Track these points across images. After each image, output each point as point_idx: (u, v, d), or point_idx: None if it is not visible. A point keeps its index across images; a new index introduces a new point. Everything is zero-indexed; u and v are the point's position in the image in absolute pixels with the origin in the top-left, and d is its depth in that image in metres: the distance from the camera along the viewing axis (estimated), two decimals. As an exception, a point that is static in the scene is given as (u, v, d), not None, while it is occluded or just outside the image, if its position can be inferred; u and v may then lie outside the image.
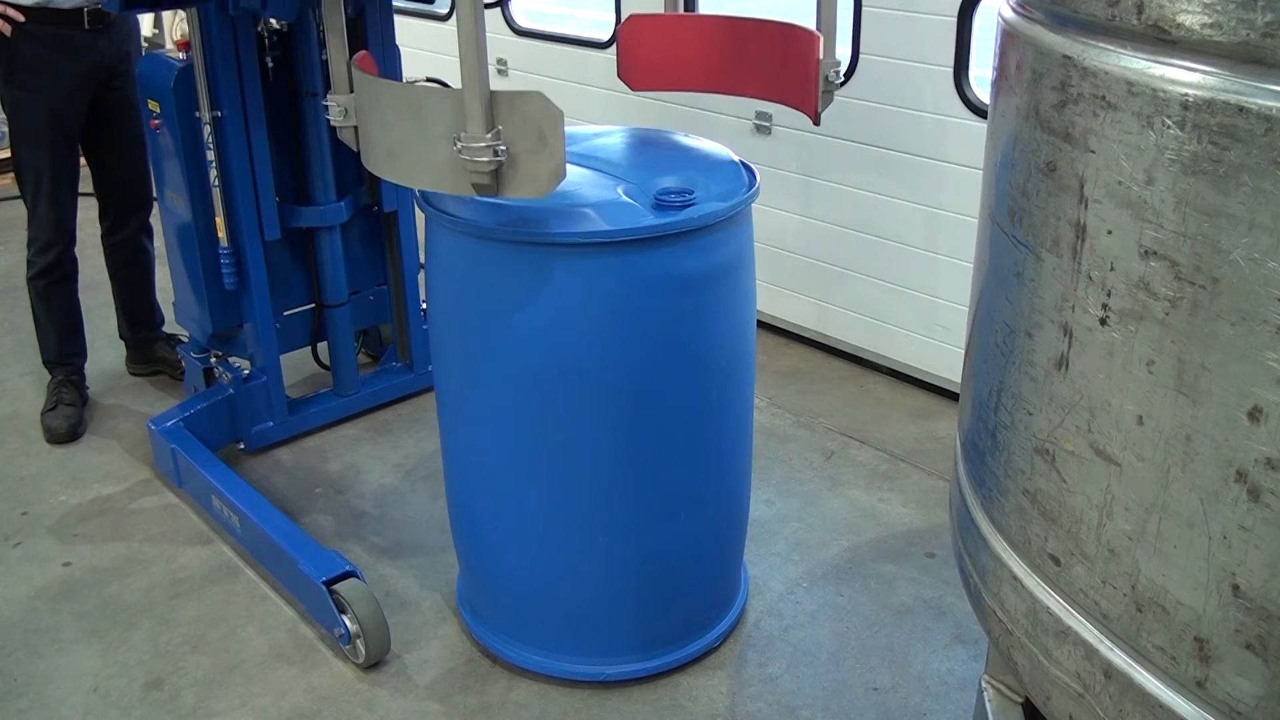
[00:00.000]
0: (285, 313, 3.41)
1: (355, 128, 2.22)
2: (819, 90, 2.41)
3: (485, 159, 1.87)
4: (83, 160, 3.55)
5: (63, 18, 3.25)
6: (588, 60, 4.55)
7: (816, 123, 2.49)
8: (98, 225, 3.71)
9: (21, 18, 3.18)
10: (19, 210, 3.50)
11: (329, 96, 2.23)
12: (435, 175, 1.99)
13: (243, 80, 3.02)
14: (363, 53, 2.31)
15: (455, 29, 1.65)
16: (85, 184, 3.58)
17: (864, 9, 3.52)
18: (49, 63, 3.27)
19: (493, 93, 1.85)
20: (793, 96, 2.49)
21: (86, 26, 3.28)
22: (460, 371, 2.34)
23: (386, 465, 3.39)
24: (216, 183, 3.07)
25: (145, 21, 5.61)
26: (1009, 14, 1.32)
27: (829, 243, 3.85)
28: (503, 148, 1.87)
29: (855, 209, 3.68)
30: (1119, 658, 1.17)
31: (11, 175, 3.53)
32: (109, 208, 3.66)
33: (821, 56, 2.40)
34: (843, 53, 3.42)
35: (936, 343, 3.65)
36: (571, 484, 2.30)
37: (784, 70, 2.45)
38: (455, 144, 1.89)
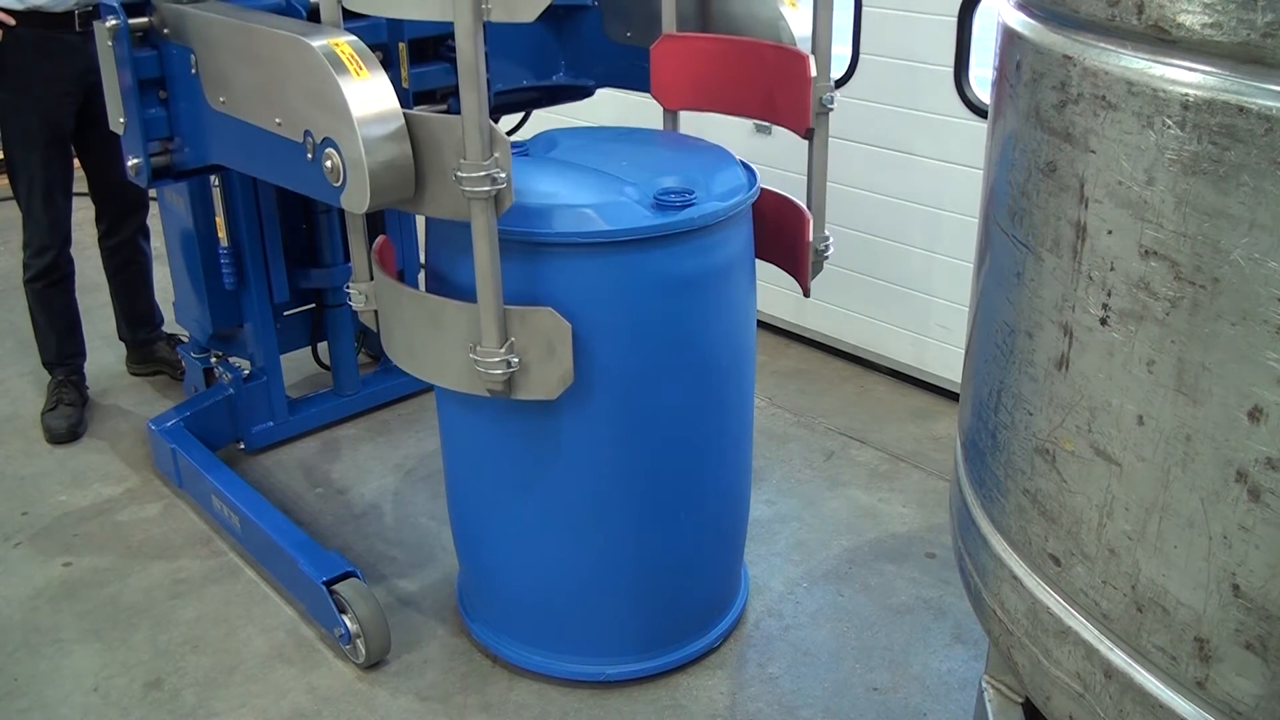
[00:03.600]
0: (285, 313, 3.41)
1: (376, 312, 2.32)
2: (810, 263, 2.53)
3: (499, 371, 2.01)
4: (78, 162, 3.54)
5: (53, 21, 3.24)
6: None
7: (807, 295, 2.60)
8: (95, 227, 3.71)
9: (12, 21, 3.17)
10: (16, 211, 3.50)
11: (351, 284, 2.32)
12: (453, 376, 2.12)
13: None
14: (382, 239, 2.36)
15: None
16: (82, 184, 3.58)
17: (864, 9, 3.52)
18: (40, 66, 3.25)
19: (506, 309, 2.00)
20: (786, 263, 2.61)
21: (77, 29, 3.27)
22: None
23: (386, 465, 3.39)
24: (217, 183, 3.07)
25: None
26: (1009, 14, 1.32)
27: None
28: (515, 359, 2.02)
29: (855, 209, 3.68)
30: (1119, 658, 1.17)
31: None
32: (105, 211, 3.65)
33: (811, 237, 2.50)
34: (843, 53, 3.43)
35: (936, 343, 3.65)
36: (571, 483, 2.30)
37: (778, 238, 2.56)
38: (471, 352, 2.03)
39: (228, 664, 2.58)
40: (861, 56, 3.57)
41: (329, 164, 1.98)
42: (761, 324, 2.92)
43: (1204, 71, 0.98)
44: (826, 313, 3.94)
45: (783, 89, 2.43)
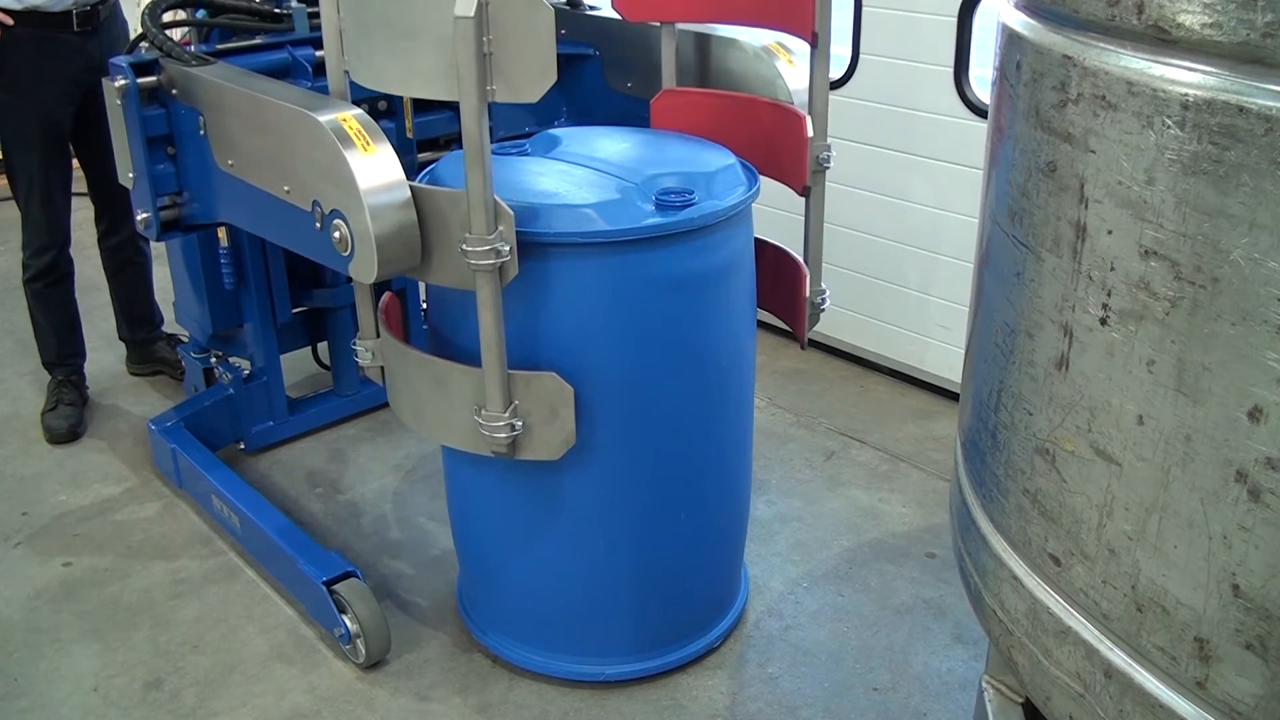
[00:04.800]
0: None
1: (382, 368, 2.36)
2: (805, 315, 2.58)
3: (503, 434, 2.07)
4: (77, 162, 3.54)
5: (51, 20, 3.23)
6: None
7: (804, 348, 2.67)
8: (94, 226, 3.71)
9: (10, 21, 3.17)
10: (16, 211, 3.50)
11: (357, 340, 2.36)
12: (458, 436, 2.17)
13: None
14: (388, 297, 2.39)
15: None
16: (81, 184, 3.58)
17: (864, 9, 3.52)
18: (37, 66, 3.25)
19: (510, 374, 2.04)
20: (783, 315, 2.67)
21: (75, 29, 3.27)
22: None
23: (386, 465, 3.39)
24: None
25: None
26: (1009, 14, 1.32)
27: (829, 243, 3.84)
28: (519, 423, 2.08)
29: (855, 209, 3.68)
30: (1119, 658, 1.17)
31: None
32: (104, 211, 3.64)
33: (808, 292, 2.55)
34: (843, 53, 3.43)
35: (936, 343, 3.65)
36: (571, 484, 2.30)
37: (775, 290, 2.61)
38: (476, 415, 2.08)
39: (228, 664, 2.58)
40: (861, 56, 3.57)
41: (337, 235, 2.03)
42: (761, 324, 2.91)
43: (1204, 71, 0.98)
44: (826, 312, 3.94)
45: (780, 146, 2.48)
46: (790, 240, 2.67)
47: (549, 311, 2.14)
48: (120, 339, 3.92)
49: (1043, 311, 1.22)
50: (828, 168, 2.47)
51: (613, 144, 2.49)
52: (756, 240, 2.45)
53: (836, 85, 3.59)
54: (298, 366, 3.72)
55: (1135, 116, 1.04)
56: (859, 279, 3.79)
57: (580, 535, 2.34)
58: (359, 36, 2.02)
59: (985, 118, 1.77)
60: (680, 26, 2.73)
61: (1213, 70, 0.97)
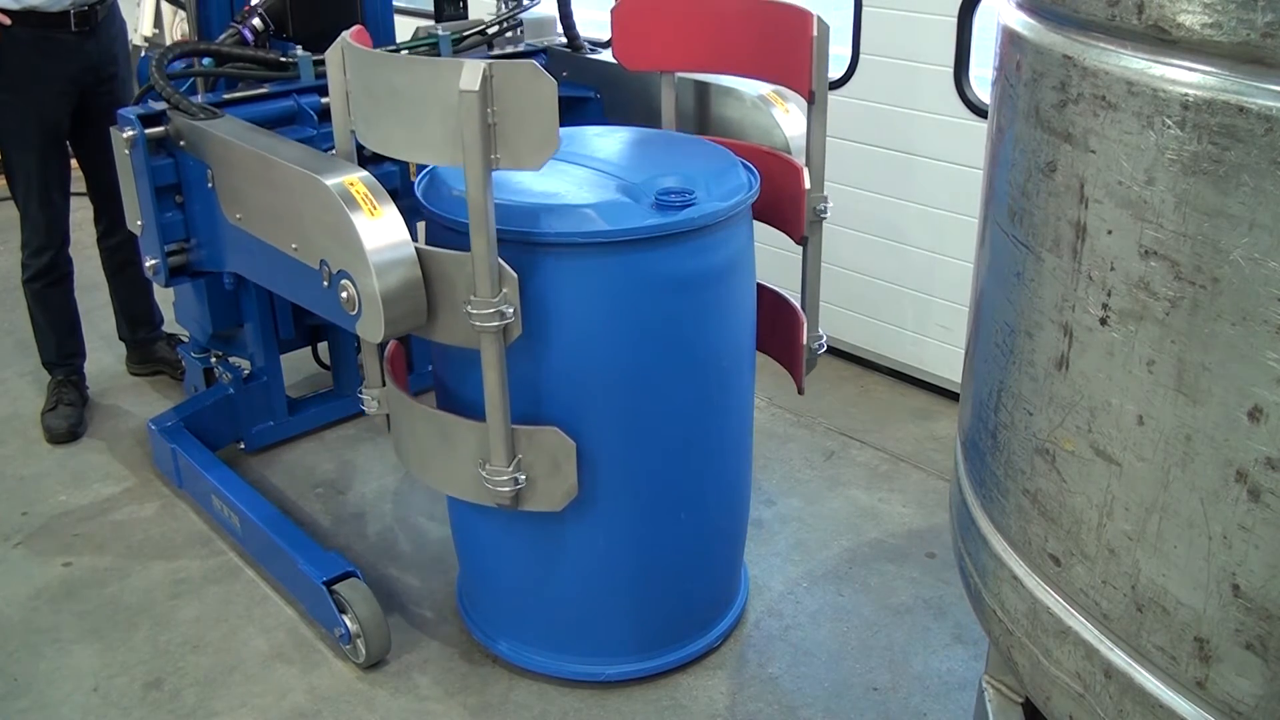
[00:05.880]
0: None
1: (388, 416, 2.38)
2: (804, 359, 2.61)
3: (507, 488, 2.11)
4: (76, 162, 3.54)
5: (49, 20, 3.23)
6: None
7: (801, 393, 2.69)
8: (94, 226, 3.71)
9: (8, 21, 3.17)
10: (15, 211, 3.49)
11: (363, 389, 2.39)
12: (462, 487, 2.22)
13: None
14: (394, 346, 2.41)
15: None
16: (80, 184, 3.57)
17: (864, 9, 3.52)
18: (35, 66, 3.25)
19: (514, 429, 2.08)
20: (781, 359, 2.70)
21: (73, 29, 3.27)
22: (459, 371, 2.34)
23: (386, 465, 3.39)
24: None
25: (146, 21, 5.59)
26: (1009, 14, 1.32)
27: (830, 243, 3.84)
28: (522, 476, 2.12)
29: (855, 209, 3.68)
30: (1119, 658, 1.17)
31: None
32: (103, 211, 3.64)
33: (805, 338, 2.59)
34: (843, 52, 3.43)
35: (936, 343, 3.65)
36: (571, 484, 2.30)
37: (773, 335, 2.64)
38: (480, 468, 2.12)
39: (228, 664, 2.58)
40: (861, 56, 3.57)
41: (345, 295, 2.05)
42: (761, 324, 2.97)
43: (1204, 71, 0.98)
44: (826, 313, 3.92)
45: (778, 195, 2.50)
46: (784, 269, 2.70)
47: (548, 313, 2.13)
48: (120, 339, 3.92)
49: (1043, 311, 1.22)
50: (825, 218, 2.50)
51: (612, 144, 2.49)
52: (758, 286, 2.47)
53: (836, 85, 3.59)
54: (298, 366, 3.72)
55: (1135, 116, 1.04)
56: (859, 279, 3.79)
57: (581, 536, 2.34)
58: (366, 102, 2.05)
59: (985, 118, 1.76)
60: (679, 75, 2.77)
61: (1213, 70, 0.97)
